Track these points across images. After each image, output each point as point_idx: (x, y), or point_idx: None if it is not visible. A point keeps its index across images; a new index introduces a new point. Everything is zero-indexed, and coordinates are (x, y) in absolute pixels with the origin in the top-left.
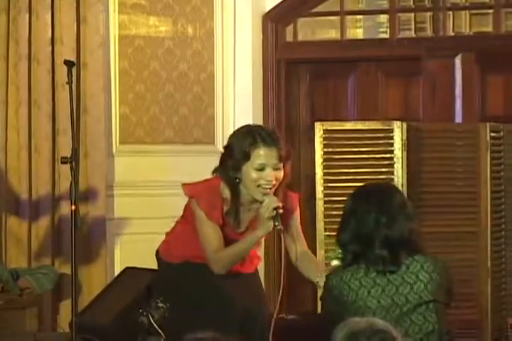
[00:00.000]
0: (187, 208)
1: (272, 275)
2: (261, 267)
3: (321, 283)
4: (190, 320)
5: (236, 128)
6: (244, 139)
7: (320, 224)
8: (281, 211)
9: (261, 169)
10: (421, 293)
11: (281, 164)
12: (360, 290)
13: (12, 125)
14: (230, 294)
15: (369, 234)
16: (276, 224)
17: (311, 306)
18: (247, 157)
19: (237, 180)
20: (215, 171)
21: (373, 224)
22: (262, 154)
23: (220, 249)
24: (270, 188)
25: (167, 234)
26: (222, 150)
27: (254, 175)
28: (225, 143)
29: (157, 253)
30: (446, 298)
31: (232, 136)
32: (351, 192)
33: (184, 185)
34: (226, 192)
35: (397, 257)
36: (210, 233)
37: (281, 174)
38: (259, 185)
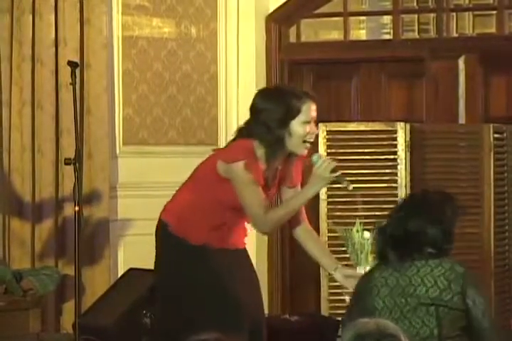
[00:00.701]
0: (208, 174)
1: (275, 275)
2: (264, 267)
3: (338, 277)
4: (201, 306)
5: None
6: (288, 96)
7: (323, 225)
8: (339, 172)
9: (308, 122)
10: (421, 296)
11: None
12: (373, 289)
13: (15, 126)
14: (242, 288)
15: (390, 233)
16: (346, 185)
17: (314, 307)
18: (296, 112)
19: (281, 138)
20: (242, 133)
21: (394, 221)
22: (311, 108)
23: (268, 209)
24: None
25: (174, 203)
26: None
27: (302, 129)
28: (252, 105)
29: (164, 224)
30: (461, 304)
31: (266, 96)
32: (354, 193)
33: (218, 150)
34: (260, 152)
35: (407, 257)
36: (258, 194)
37: (317, 130)
38: (304, 141)
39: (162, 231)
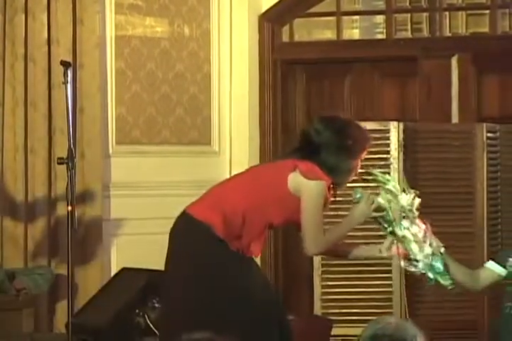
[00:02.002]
0: (276, 185)
1: (268, 275)
2: None
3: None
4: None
5: (232, 129)
6: (360, 131)
7: None
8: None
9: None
10: None
11: None
12: None
13: (8, 125)
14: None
15: None
16: (388, 229)
17: (308, 307)
18: (365, 148)
19: (351, 169)
20: (304, 156)
21: None
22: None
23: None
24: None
25: (223, 204)
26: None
27: (356, 165)
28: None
29: (206, 224)
30: None
31: (338, 128)
32: (347, 192)
33: (304, 165)
34: None
35: None
36: (322, 218)
37: None
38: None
39: (203, 231)
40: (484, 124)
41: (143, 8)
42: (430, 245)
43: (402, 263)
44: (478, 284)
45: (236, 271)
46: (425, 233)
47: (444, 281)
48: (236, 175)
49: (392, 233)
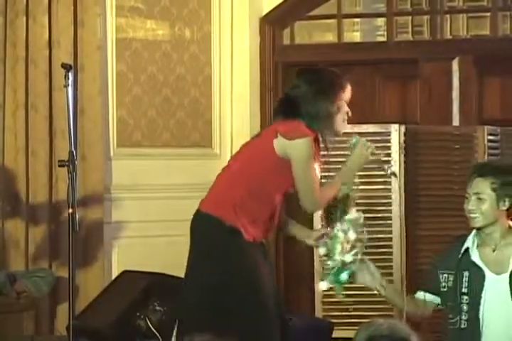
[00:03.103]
0: (265, 159)
1: None
2: None
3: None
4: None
5: (233, 132)
6: (332, 74)
7: (317, 227)
8: (381, 155)
9: (346, 102)
10: None
11: None
12: None
13: (9, 128)
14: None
15: None
16: (389, 172)
17: (309, 309)
18: (342, 89)
19: (332, 114)
20: (286, 115)
21: None
22: (349, 90)
23: (317, 189)
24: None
25: (225, 196)
26: (218, 152)
27: (345, 107)
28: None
29: (217, 219)
30: None
31: (309, 76)
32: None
33: (283, 126)
34: None
35: None
36: (314, 173)
37: None
38: (344, 120)
39: (214, 225)
40: (485, 127)
41: (144, 10)
42: (353, 256)
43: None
44: (410, 310)
45: (248, 265)
46: (355, 247)
47: (338, 291)
48: (231, 160)
49: (331, 226)
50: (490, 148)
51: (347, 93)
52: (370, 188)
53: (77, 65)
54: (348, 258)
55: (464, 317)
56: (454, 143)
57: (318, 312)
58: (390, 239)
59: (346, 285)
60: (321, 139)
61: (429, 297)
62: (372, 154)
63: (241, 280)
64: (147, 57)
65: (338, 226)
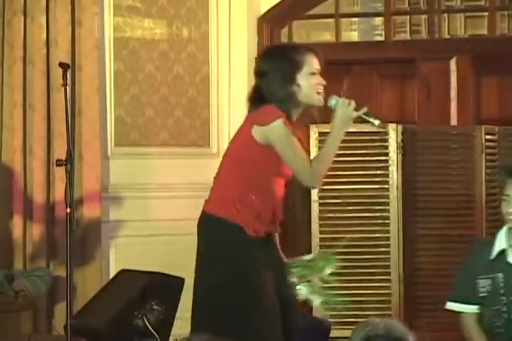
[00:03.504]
0: (247, 151)
1: None
2: None
3: None
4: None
5: (231, 131)
6: (288, 51)
7: (315, 227)
8: (364, 109)
9: (313, 73)
10: None
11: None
12: None
13: (7, 127)
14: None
15: None
16: (372, 119)
17: (306, 309)
18: (300, 65)
19: (292, 93)
20: (256, 101)
21: None
22: (313, 58)
23: (310, 162)
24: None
25: (223, 195)
26: (216, 152)
27: (310, 81)
28: (258, 70)
29: (221, 217)
30: None
31: (268, 56)
32: (346, 194)
33: (255, 115)
34: None
35: None
36: (301, 149)
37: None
38: (317, 92)
39: (220, 226)
40: (483, 126)
41: (141, 10)
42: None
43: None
44: None
45: (249, 266)
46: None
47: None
48: (223, 158)
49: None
50: (488, 147)
51: (311, 65)
52: (368, 188)
53: (74, 65)
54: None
55: (503, 318)
56: (451, 143)
57: (316, 311)
58: (388, 239)
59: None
60: (294, 117)
61: (465, 307)
62: (356, 110)
63: (243, 280)
64: (145, 56)
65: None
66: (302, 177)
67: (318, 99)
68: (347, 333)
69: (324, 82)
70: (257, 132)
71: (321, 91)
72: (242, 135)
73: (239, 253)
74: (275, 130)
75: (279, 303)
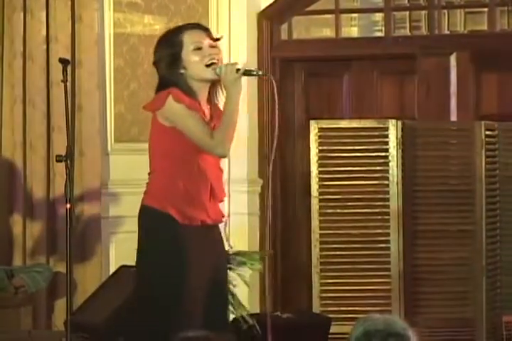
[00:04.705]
0: (160, 138)
1: (266, 272)
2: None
3: None
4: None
5: None
6: (168, 34)
7: (315, 222)
8: (243, 68)
9: (199, 48)
10: None
11: (217, 44)
12: None
13: (7, 123)
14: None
15: None
16: (255, 72)
17: (306, 304)
18: (180, 45)
19: (181, 74)
20: (156, 91)
21: None
22: (190, 35)
23: (212, 132)
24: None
25: (150, 182)
26: None
27: (194, 57)
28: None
29: (150, 206)
30: None
31: (156, 46)
32: (346, 190)
33: (146, 105)
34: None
35: None
36: (198, 121)
37: (221, 53)
38: (207, 65)
39: (148, 216)
40: (483, 122)
41: (141, 6)
42: None
43: None
44: None
45: (177, 259)
46: None
47: None
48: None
49: None
50: (487, 143)
51: (192, 41)
52: (367, 183)
53: (74, 60)
54: None
55: None
56: (451, 139)
57: (316, 308)
58: (388, 234)
59: (345, 281)
60: (201, 95)
61: None
62: (246, 72)
63: (167, 275)
64: (144, 52)
65: None
66: (205, 148)
67: (209, 72)
68: (347, 329)
69: (213, 52)
70: (160, 117)
71: (213, 61)
72: (153, 125)
73: (167, 245)
74: (168, 109)
75: (208, 295)
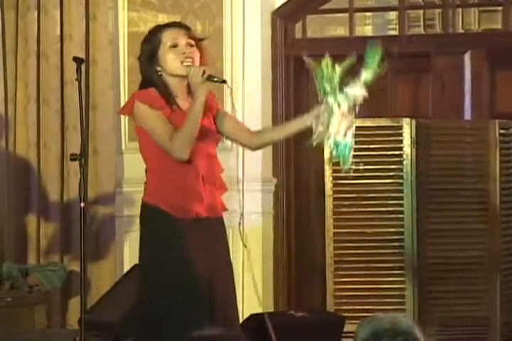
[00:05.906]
0: (145, 137)
1: (280, 271)
2: (270, 263)
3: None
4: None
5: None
6: (148, 34)
7: (329, 221)
8: (210, 72)
9: (174, 46)
10: None
11: (195, 44)
12: None
13: (21, 122)
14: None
15: None
16: (216, 79)
17: (320, 303)
18: (157, 43)
19: (161, 72)
20: (140, 88)
21: None
22: (168, 32)
23: (173, 135)
24: (192, 64)
25: (153, 186)
26: (229, 145)
27: (171, 54)
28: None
29: (145, 202)
30: None
31: (140, 46)
32: (360, 189)
33: (120, 110)
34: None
35: None
36: (159, 122)
37: (197, 53)
38: (182, 62)
39: (144, 212)
40: (497, 121)
41: (155, 4)
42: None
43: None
44: None
45: (171, 254)
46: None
47: (344, 164)
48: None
49: (326, 101)
50: (502, 142)
51: (168, 39)
52: (381, 182)
53: (88, 59)
54: (343, 127)
55: None
56: (466, 137)
57: (330, 306)
58: (402, 233)
59: (359, 279)
60: (179, 92)
61: None
62: (209, 77)
63: (161, 271)
64: None
65: (332, 99)
66: (166, 150)
67: (183, 69)
68: None
69: (188, 51)
70: (134, 120)
71: (188, 61)
72: (136, 127)
73: (161, 238)
74: (136, 112)
75: (211, 293)
